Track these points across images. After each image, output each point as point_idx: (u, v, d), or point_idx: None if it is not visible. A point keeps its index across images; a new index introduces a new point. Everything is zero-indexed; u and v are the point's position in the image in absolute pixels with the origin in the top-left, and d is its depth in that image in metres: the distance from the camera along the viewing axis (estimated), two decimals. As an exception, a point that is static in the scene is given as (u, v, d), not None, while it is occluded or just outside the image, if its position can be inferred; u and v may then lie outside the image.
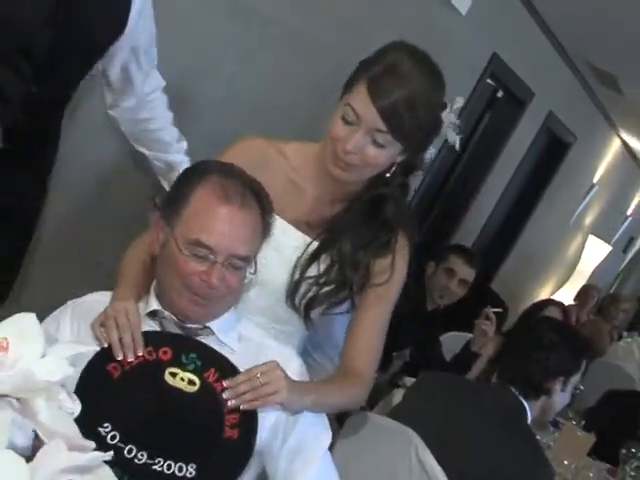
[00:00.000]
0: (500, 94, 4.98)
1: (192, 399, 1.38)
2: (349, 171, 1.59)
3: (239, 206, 1.44)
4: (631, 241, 9.84)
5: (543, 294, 7.31)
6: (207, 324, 1.49)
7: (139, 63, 1.90)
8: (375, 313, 1.69)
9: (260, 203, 1.49)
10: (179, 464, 1.32)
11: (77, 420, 1.05)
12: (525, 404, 2.17)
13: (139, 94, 1.97)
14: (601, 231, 8.00)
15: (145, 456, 1.31)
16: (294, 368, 1.52)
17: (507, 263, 6.14)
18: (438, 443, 1.97)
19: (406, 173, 1.69)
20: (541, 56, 4.88)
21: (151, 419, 1.36)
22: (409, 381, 2.85)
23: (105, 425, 1.32)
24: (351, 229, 1.67)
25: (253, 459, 1.41)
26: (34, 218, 1.93)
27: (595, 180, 7.25)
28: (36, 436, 0.98)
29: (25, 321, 1.04)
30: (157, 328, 1.48)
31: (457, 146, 1.67)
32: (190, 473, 1.32)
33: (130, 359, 1.39)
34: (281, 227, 1.64)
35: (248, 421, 1.38)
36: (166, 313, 1.48)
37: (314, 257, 1.67)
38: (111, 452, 0.97)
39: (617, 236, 8.87)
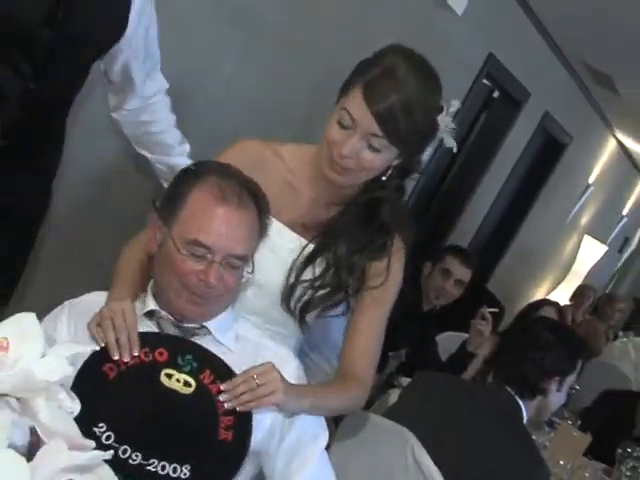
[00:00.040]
0: (496, 94, 4.98)
1: (187, 401, 1.38)
2: (345, 175, 1.58)
3: (236, 206, 1.44)
4: (627, 241, 9.86)
5: (539, 294, 7.32)
6: (204, 324, 1.50)
7: (140, 64, 1.89)
8: (372, 316, 1.68)
9: (257, 203, 1.50)
10: (173, 465, 1.33)
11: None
12: (521, 404, 2.17)
13: (141, 95, 1.96)
14: (597, 231, 8.01)
15: (140, 457, 1.32)
16: (291, 369, 1.52)
17: (503, 263, 6.14)
18: (434, 443, 1.97)
19: (402, 176, 1.68)
20: (537, 56, 4.88)
21: (146, 420, 1.36)
22: (405, 381, 2.86)
23: (100, 425, 1.32)
24: (347, 232, 1.66)
25: (249, 460, 1.42)
26: (35, 218, 1.92)
27: (591, 180, 7.25)
28: (32, 432, 0.98)
29: (25, 321, 1.04)
30: (154, 328, 1.49)
31: (454, 149, 1.67)
32: (184, 474, 1.33)
33: (126, 360, 1.39)
34: (277, 229, 1.64)
35: (243, 423, 1.39)
36: (163, 313, 1.49)
37: (309, 260, 1.66)
38: (111, 451, 0.98)
39: (613, 236, 8.87)
